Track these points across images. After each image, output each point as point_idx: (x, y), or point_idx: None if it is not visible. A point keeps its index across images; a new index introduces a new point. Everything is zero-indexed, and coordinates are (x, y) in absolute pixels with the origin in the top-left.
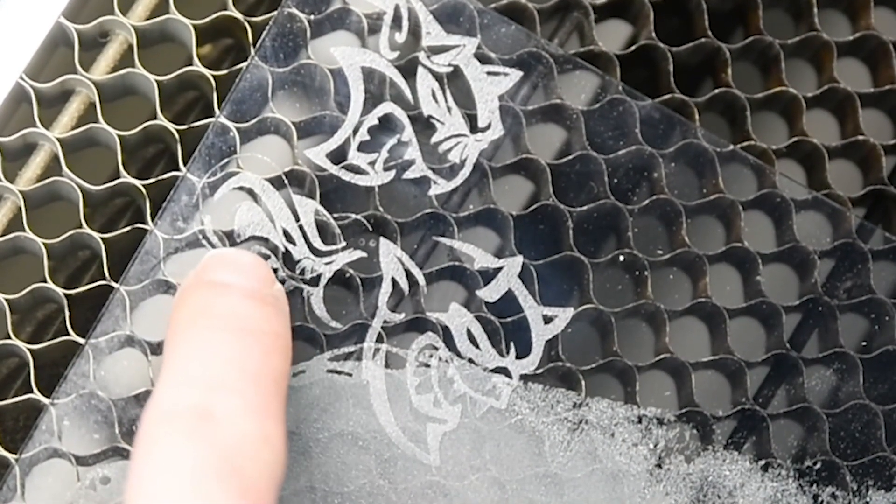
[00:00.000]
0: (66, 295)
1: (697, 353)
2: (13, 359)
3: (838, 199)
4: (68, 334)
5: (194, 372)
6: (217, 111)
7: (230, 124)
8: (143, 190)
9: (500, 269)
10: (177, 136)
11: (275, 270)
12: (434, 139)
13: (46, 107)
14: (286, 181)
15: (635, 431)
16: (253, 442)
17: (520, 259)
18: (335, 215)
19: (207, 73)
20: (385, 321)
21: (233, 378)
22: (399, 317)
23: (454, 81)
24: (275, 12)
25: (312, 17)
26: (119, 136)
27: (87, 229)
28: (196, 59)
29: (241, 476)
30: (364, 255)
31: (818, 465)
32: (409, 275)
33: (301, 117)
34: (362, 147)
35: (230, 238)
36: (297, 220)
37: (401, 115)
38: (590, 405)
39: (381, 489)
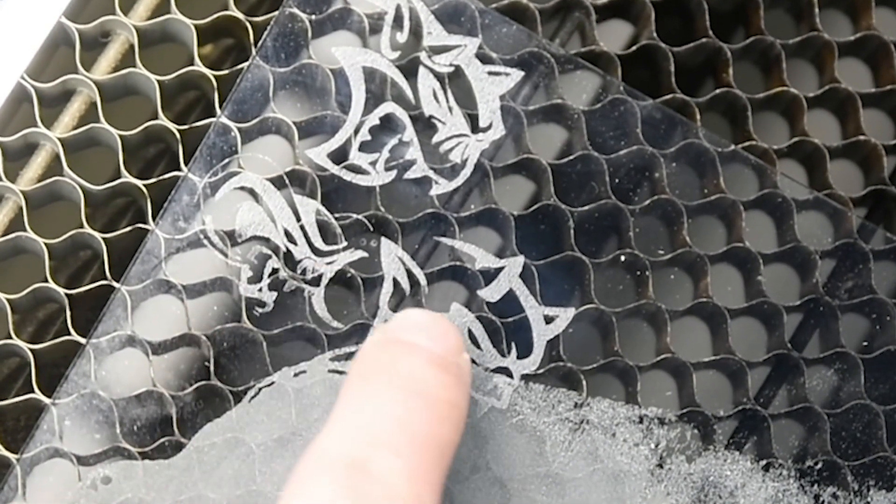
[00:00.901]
0: (67, 295)
1: (698, 353)
2: (14, 359)
3: (839, 200)
4: (69, 334)
5: (361, 424)
6: (218, 111)
7: (231, 124)
8: (145, 190)
9: (501, 269)
10: (178, 135)
11: (275, 271)
12: (435, 139)
13: (48, 107)
14: (287, 181)
15: (636, 431)
16: (403, 490)
17: (521, 259)
18: (336, 215)
19: (209, 72)
20: (386, 321)
21: (397, 438)
22: None
23: (455, 81)
24: (276, 12)
25: (314, 17)
26: (120, 136)
27: (88, 229)
28: (197, 59)
29: None
30: (365, 255)
31: (819, 465)
32: (410, 275)
33: (302, 117)
34: (363, 147)
35: (231, 238)
36: (299, 219)
37: (402, 115)
38: (591, 405)
39: None
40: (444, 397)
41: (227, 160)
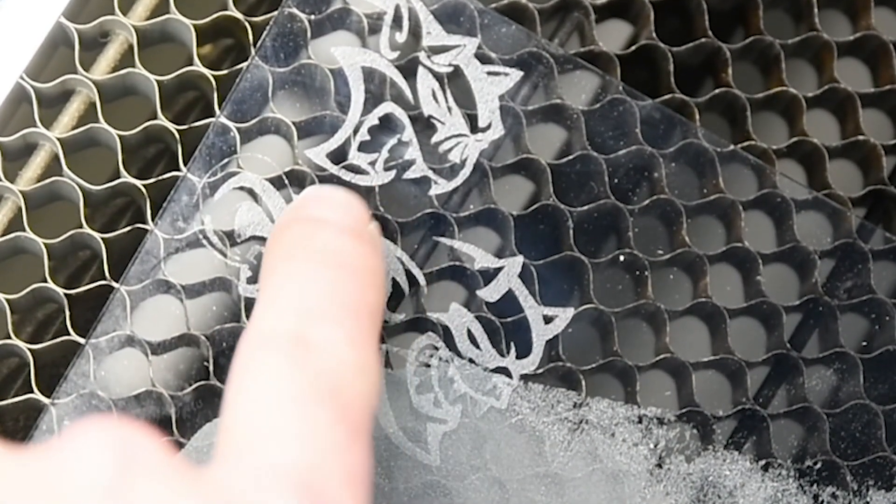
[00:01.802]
0: (66, 295)
1: (698, 353)
2: (13, 359)
3: (839, 199)
4: (69, 334)
5: (292, 301)
6: (217, 111)
7: (230, 124)
8: (144, 190)
9: (500, 269)
10: (177, 136)
11: None
12: (434, 139)
13: (47, 107)
14: (286, 181)
15: (636, 431)
16: (350, 369)
17: (520, 259)
18: None
19: (208, 73)
20: (385, 321)
21: (331, 309)
22: (399, 317)
23: (454, 81)
24: (275, 12)
25: (313, 17)
26: (119, 136)
27: (87, 229)
28: (196, 59)
29: (339, 400)
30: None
31: (818, 465)
32: (409, 275)
33: (301, 117)
34: (363, 147)
35: (230, 238)
36: None
37: (401, 115)
38: (590, 405)
39: (381, 489)
40: (364, 265)
41: (226, 160)
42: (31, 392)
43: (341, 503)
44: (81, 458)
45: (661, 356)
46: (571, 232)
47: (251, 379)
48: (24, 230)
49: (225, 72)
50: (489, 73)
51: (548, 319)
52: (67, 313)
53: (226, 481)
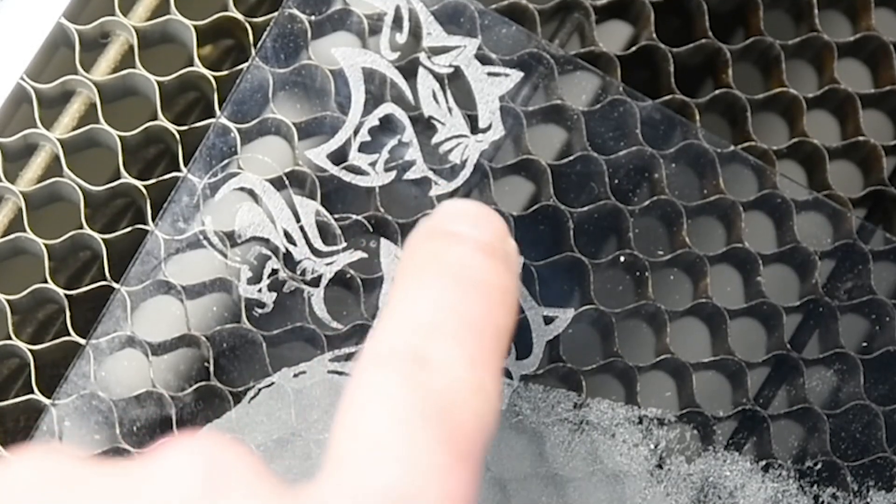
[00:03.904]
0: (66, 295)
1: (698, 353)
2: (14, 359)
3: (839, 200)
4: (69, 335)
5: (415, 317)
6: (218, 112)
7: (231, 125)
8: (144, 190)
9: None
10: (177, 136)
11: (275, 271)
12: (435, 140)
13: (47, 107)
14: (287, 182)
15: (636, 432)
16: (466, 390)
17: (520, 260)
18: (336, 216)
19: (208, 73)
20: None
21: (453, 326)
22: None
23: (455, 82)
24: (275, 13)
25: (313, 17)
26: (120, 137)
27: (87, 230)
28: (197, 60)
29: (450, 422)
30: (365, 255)
31: (819, 466)
32: None
33: (302, 118)
34: (363, 148)
35: (231, 238)
36: (298, 220)
37: (401, 115)
38: (590, 406)
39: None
40: (496, 283)
41: (226, 161)
42: (32, 393)
43: None
44: (171, 472)
45: (662, 357)
46: (572, 233)
47: (362, 395)
48: (24, 231)
49: (225, 72)
50: (489, 74)
51: (548, 320)
52: (68, 314)
53: (321, 500)
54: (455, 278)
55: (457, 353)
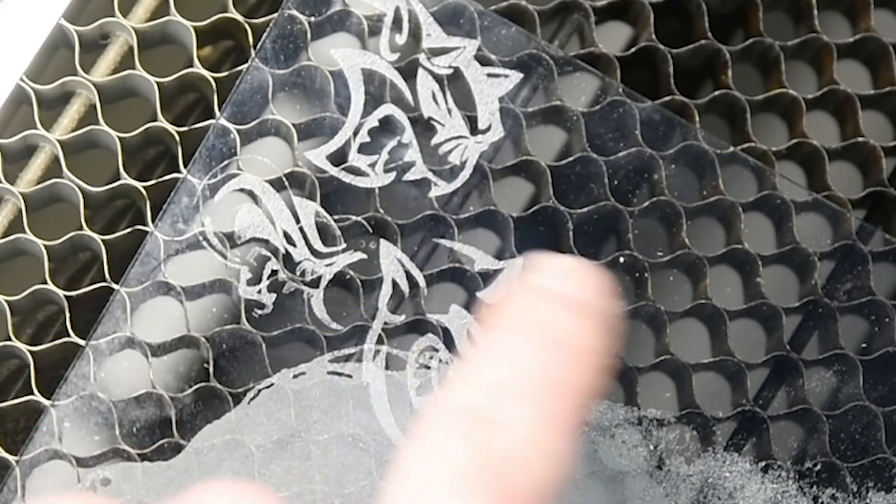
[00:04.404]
0: (66, 297)
1: (698, 354)
2: (14, 360)
3: (838, 201)
4: (69, 336)
5: (489, 373)
6: (217, 113)
7: (230, 126)
8: (144, 192)
9: (500, 270)
10: (177, 137)
11: (274, 272)
12: (434, 141)
13: (47, 108)
14: (286, 183)
15: (635, 433)
16: (529, 452)
17: (520, 261)
18: (335, 217)
19: (208, 74)
20: (385, 323)
21: (528, 387)
22: (399, 318)
23: (454, 83)
24: (275, 14)
25: (313, 18)
26: (119, 138)
27: (87, 231)
28: (196, 61)
29: (505, 484)
30: (364, 256)
31: (818, 467)
32: (409, 276)
33: (301, 119)
34: (363, 149)
35: (230, 239)
36: (298, 221)
37: (401, 116)
38: (590, 406)
39: (381, 491)
40: (584, 344)
41: (226, 162)
42: (32, 394)
43: None
44: None
45: (661, 358)
46: (571, 234)
47: (424, 448)
48: (24, 232)
49: (225, 74)
50: (489, 75)
51: None
52: (67, 315)
53: None
54: (541, 338)
55: (527, 413)
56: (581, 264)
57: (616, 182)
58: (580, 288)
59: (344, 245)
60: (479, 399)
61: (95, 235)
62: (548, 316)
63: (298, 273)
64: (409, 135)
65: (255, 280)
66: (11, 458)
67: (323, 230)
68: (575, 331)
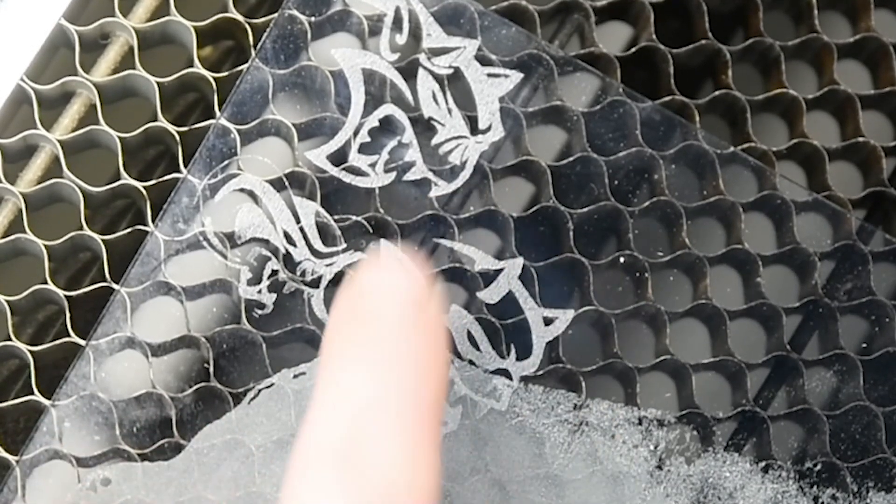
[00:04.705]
0: (66, 296)
1: (698, 354)
2: (14, 360)
3: (838, 201)
4: (69, 336)
5: (343, 406)
6: (218, 113)
7: (231, 126)
8: (144, 191)
9: (500, 270)
10: (177, 137)
11: (275, 272)
12: (434, 141)
13: (47, 108)
14: (287, 183)
15: (636, 433)
16: (402, 475)
17: (520, 261)
18: (336, 217)
19: (208, 74)
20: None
21: (379, 413)
22: None
23: (455, 83)
24: (275, 14)
25: (313, 18)
26: (120, 138)
27: (87, 231)
28: (197, 61)
29: None
30: (365, 256)
31: (818, 467)
32: None
33: (302, 119)
34: (363, 149)
35: (231, 239)
36: (298, 221)
37: (401, 116)
38: (590, 407)
39: None
40: (421, 356)
41: (226, 162)
42: (32, 394)
43: None
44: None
45: (662, 358)
46: (571, 234)
47: (304, 492)
48: (24, 232)
49: (225, 73)
50: (489, 75)
51: (548, 321)
52: (68, 315)
53: None
54: (377, 357)
55: (389, 437)
56: (400, 265)
57: (616, 182)
58: (404, 293)
59: (344, 245)
60: (340, 434)
61: (95, 235)
62: (380, 333)
63: (299, 273)
64: (409, 135)
65: (256, 280)
66: (11, 458)
67: (323, 230)
68: (409, 342)
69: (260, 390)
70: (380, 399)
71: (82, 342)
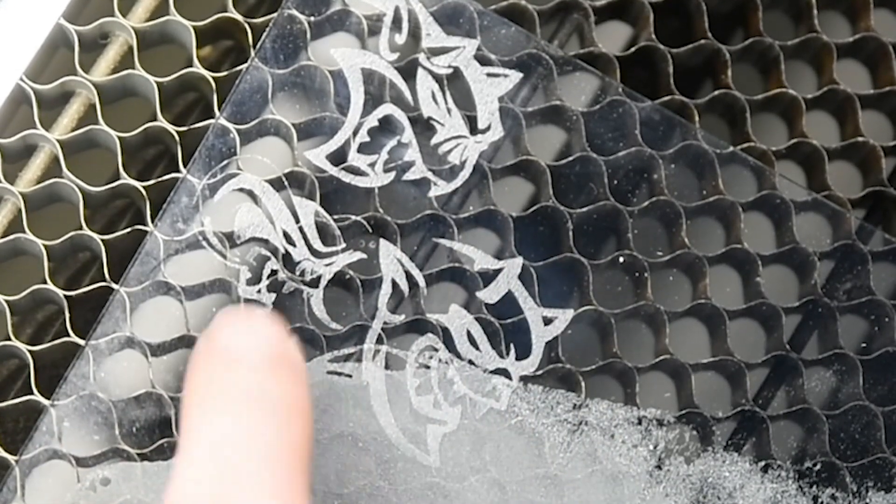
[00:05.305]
0: (66, 296)
1: (697, 354)
2: (13, 360)
3: (838, 201)
4: (68, 336)
5: (209, 460)
6: (217, 113)
7: (230, 126)
8: (144, 191)
9: (499, 270)
10: (177, 137)
11: (274, 272)
12: (434, 140)
13: (47, 108)
14: (286, 183)
15: (635, 433)
16: None
17: (520, 260)
18: (335, 217)
19: (207, 74)
20: (385, 322)
21: (249, 464)
22: (399, 318)
23: (454, 83)
24: (275, 14)
25: (312, 18)
26: (119, 138)
27: (87, 231)
28: (196, 61)
29: None
30: (364, 256)
31: (818, 467)
32: (409, 276)
33: (301, 119)
34: (362, 148)
35: (230, 239)
36: (297, 221)
37: (401, 116)
38: (590, 406)
39: (381, 490)
40: (283, 399)
41: (225, 162)
42: (31, 393)
43: None
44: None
45: (661, 357)
46: (571, 233)
47: None
48: (23, 232)
49: (224, 73)
50: (489, 75)
51: (547, 321)
52: (67, 315)
53: None
54: (238, 405)
55: (255, 492)
56: (254, 314)
57: (616, 182)
58: (260, 341)
59: (344, 245)
60: (205, 489)
61: (95, 235)
62: (239, 380)
63: (298, 273)
64: (408, 134)
65: (255, 280)
66: (11, 458)
67: (322, 230)
68: (269, 386)
69: None
70: (246, 446)
71: (82, 342)
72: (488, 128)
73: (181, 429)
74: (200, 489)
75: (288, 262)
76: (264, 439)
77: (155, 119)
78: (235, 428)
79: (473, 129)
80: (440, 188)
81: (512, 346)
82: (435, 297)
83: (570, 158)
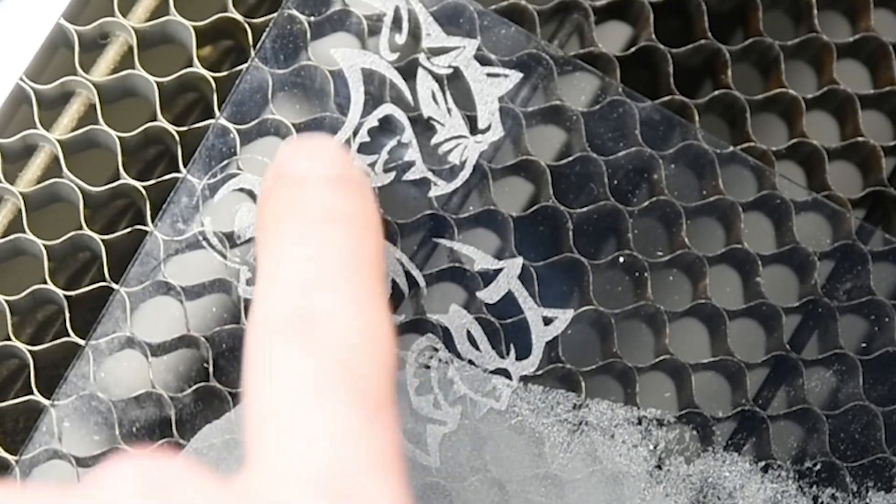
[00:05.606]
0: (66, 296)
1: (697, 354)
2: (13, 360)
3: (838, 201)
4: (68, 336)
5: (288, 274)
6: (217, 113)
7: (230, 126)
8: (144, 191)
9: (500, 270)
10: (177, 137)
11: None
12: (434, 141)
13: (47, 108)
14: None
15: (635, 433)
16: (358, 338)
17: (520, 260)
18: None
19: (207, 74)
20: None
21: (327, 273)
22: (399, 318)
23: (454, 83)
24: (275, 14)
25: (312, 18)
26: (119, 138)
27: (87, 231)
28: (196, 61)
29: (353, 378)
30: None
31: (818, 467)
32: (408, 276)
33: (301, 119)
34: (362, 148)
35: (230, 239)
36: None
37: (401, 116)
38: (590, 406)
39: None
40: (355, 212)
41: (225, 162)
42: (31, 393)
43: (369, 493)
44: (112, 488)
45: (661, 357)
46: (571, 233)
47: (263, 372)
48: (23, 232)
49: (225, 73)
50: (489, 75)
51: (547, 321)
52: (67, 315)
53: (253, 489)
54: (313, 221)
55: (339, 301)
56: (319, 139)
57: (616, 182)
58: (325, 163)
59: None
60: (291, 301)
61: (95, 235)
62: (309, 199)
63: None
64: (408, 134)
65: (255, 280)
66: (11, 458)
67: None
68: (339, 203)
69: None
70: (324, 260)
71: (82, 342)
72: (488, 128)
73: (258, 255)
74: (282, 303)
75: None
76: (341, 253)
77: (155, 119)
78: (309, 242)
79: (473, 129)
80: (440, 188)
81: (512, 346)
82: (435, 297)
83: (571, 158)
